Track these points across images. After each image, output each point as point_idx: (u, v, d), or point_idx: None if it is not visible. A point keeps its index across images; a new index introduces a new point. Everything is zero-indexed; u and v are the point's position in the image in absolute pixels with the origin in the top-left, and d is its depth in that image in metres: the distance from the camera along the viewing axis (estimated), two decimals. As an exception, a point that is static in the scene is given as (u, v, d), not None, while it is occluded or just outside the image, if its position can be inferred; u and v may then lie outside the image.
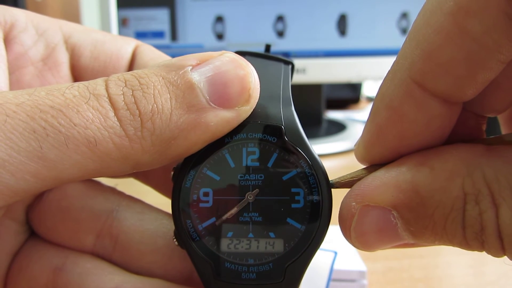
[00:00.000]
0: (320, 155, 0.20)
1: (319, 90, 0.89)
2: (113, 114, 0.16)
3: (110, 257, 0.23)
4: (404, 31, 0.80)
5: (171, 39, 0.83)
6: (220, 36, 0.83)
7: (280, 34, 0.82)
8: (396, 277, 0.36)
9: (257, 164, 0.19)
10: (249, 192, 0.19)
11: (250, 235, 0.19)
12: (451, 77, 0.15)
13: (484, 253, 0.17)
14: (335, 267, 0.35)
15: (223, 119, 0.17)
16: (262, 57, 0.23)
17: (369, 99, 1.27)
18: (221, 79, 0.17)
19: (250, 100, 0.18)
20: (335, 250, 0.33)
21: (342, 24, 0.81)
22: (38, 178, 0.15)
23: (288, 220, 0.19)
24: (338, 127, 0.90)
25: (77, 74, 0.24)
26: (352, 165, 0.68)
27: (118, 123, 0.16)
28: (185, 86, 0.17)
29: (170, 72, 0.17)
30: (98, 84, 0.17)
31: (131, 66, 0.25)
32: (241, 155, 0.19)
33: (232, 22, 0.82)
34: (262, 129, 0.19)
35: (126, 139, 0.16)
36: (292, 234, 0.19)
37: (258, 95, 0.18)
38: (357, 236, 0.17)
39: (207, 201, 0.19)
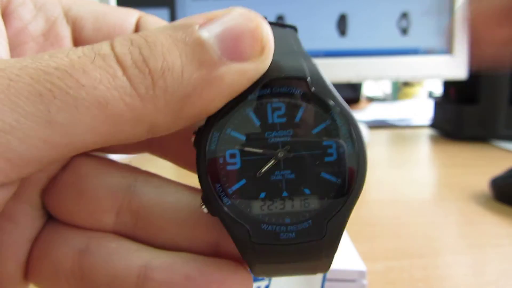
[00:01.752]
0: None
1: (319, 90, 0.89)
2: (122, 73, 0.15)
3: (133, 234, 0.22)
4: (404, 31, 0.80)
5: (171, 39, 0.83)
6: (220, 36, 0.83)
7: (280, 34, 0.82)
8: (396, 277, 0.36)
9: (284, 119, 0.18)
10: (278, 149, 0.18)
11: (284, 193, 0.18)
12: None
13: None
14: (335, 267, 0.35)
15: (237, 72, 0.17)
16: (272, 25, 0.23)
17: (369, 99, 1.27)
18: (231, 33, 0.17)
19: (265, 50, 0.17)
20: None
21: (342, 24, 0.81)
22: (49, 145, 0.15)
23: (323, 174, 0.18)
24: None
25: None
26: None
27: (127, 82, 0.15)
28: (194, 43, 0.16)
29: (177, 30, 0.17)
30: (103, 45, 0.16)
31: None
32: (266, 111, 0.18)
33: (232, 22, 0.82)
34: (285, 82, 0.18)
35: (138, 98, 0.15)
36: (328, 188, 0.18)
37: (273, 45, 0.18)
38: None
39: (235, 163, 0.18)
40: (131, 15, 0.24)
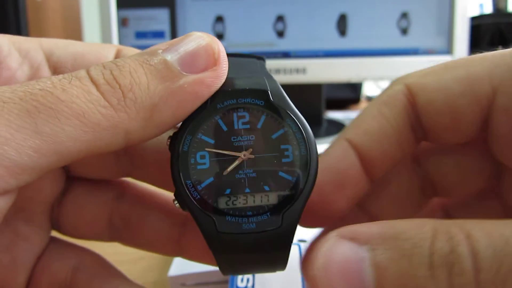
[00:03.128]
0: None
1: (319, 90, 0.89)
2: (96, 89, 0.18)
3: (122, 237, 0.28)
4: (404, 31, 0.80)
5: (171, 39, 0.83)
6: (220, 36, 0.83)
7: (280, 34, 0.82)
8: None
9: (247, 126, 0.21)
10: (242, 151, 0.21)
11: (247, 190, 0.20)
12: (368, 138, 0.23)
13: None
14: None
15: (196, 81, 0.20)
16: (237, 56, 0.25)
17: (369, 99, 1.27)
18: (188, 52, 0.20)
19: (218, 61, 0.20)
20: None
21: (342, 24, 0.81)
22: (39, 153, 0.17)
23: (280, 173, 0.21)
24: (338, 127, 0.90)
25: None
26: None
27: (101, 96, 0.18)
28: (158, 63, 0.19)
29: (143, 55, 0.20)
30: (80, 71, 0.19)
31: None
32: (232, 119, 0.21)
33: (232, 22, 0.82)
34: (249, 94, 0.21)
35: (111, 108, 0.18)
36: (284, 185, 0.20)
37: (226, 58, 0.21)
38: (323, 264, 0.17)
39: (204, 163, 0.21)
40: (108, 51, 0.26)
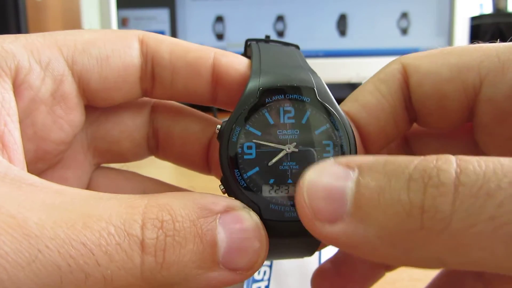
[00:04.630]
0: None
1: (319, 90, 0.89)
2: (140, 261, 0.17)
3: None
4: (404, 31, 0.80)
5: (171, 39, 0.83)
6: (220, 36, 0.83)
7: (280, 34, 0.82)
8: (396, 277, 0.36)
9: (293, 121, 0.22)
10: (287, 144, 0.22)
11: (289, 181, 0.22)
12: (365, 112, 0.24)
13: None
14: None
15: (223, 279, 0.19)
16: (273, 42, 0.27)
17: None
18: (239, 245, 0.19)
19: (254, 266, 0.20)
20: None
21: (342, 24, 0.81)
22: None
23: None
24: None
25: (90, 97, 0.24)
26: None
27: (140, 267, 0.17)
28: (208, 242, 0.18)
29: (200, 219, 0.18)
30: (135, 222, 0.17)
31: (145, 71, 0.25)
32: (278, 113, 0.22)
33: (232, 22, 0.82)
34: (297, 91, 0.22)
35: (140, 279, 0.17)
36: None
37: (260, 266, 0.20)
38: (313, 176, 0.18)
39: (251, 153, 0.22)
40: (132, 43, 0.24)
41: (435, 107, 0.23)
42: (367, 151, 0.25)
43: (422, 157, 0.15)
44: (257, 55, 0.25)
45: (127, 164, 0.29)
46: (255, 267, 0.20)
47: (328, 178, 0.17)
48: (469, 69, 0.22)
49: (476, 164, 0.14)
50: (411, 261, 0.15)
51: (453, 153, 0.23)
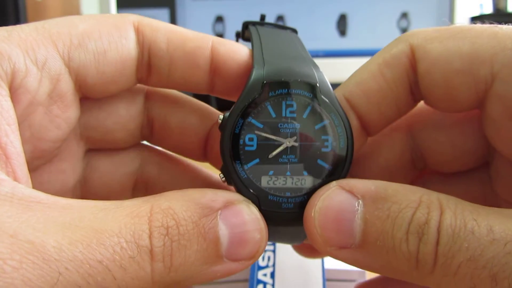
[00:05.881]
0: None
1: (319, 90, 0.90)
2: (150, 268, 0.18)
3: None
4: (404, 31, 0.80)
5: (171, 39, 0.83)
6: (220, 36, 0.83)
7: (280, 34, 0.82)
8: (396, 277, 0.36)
9: (294, 115, 0.22)
10: (287, 138, 0.22)
11: (288, 173, 0.22)
12: (366, 99, 0.24)
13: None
14: (335, 267, 0.35)
15: (227, 271, 0.20)
16: (271, 26, 0.27)
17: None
18: (240, 238, 0.20)
19: (253, 258, 0.21)
20: None
21: (342, 24, 0.81)
22: None
23: (318, 161, 0.22)
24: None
25: (85, 91, 0.24)
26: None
27: (150, 273, 0.18)
28: (211, 240, 0.19)
29: (203, 218, 0.19)
30: (143, 232, 0.18)
31: (141, 61, 0.24)
32: (281, 107, 0.22)
33: (232, 22, 0.82)
34: (300, 86, 0.22)
35: (151, 284, 0.18)
36: (321, 172, 0.22)
37: (261, 254, 0.21)
38: (322, 206, 0.20)
39: (252, 145, 0.22)
40: (128, 33, 0.23)
41: (443, 95, 0.23)
42: (367, 132, 0.25)
43: (416, 206, 0.19)
44: (258, 42, 0.25)
45: None
46: (257, 256, 0.21)
47: (336, 208, 0.20)
48: (481, 62, 0.21)
49: (451, 229, 0.18)
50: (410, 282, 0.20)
51: (460, 146, 0.26)
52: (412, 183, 0.28)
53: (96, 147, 0.27)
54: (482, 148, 0.25)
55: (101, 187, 0.28)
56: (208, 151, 0.28)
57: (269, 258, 0.34)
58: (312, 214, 0.20)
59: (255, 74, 0.22)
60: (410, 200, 0.19)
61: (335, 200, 0.20)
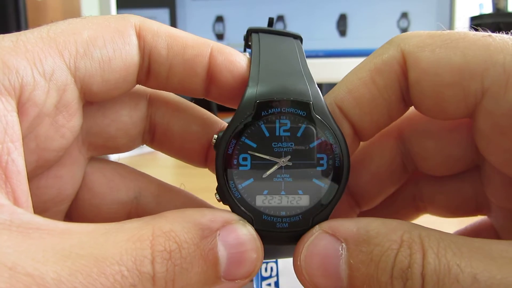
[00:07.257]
0: None
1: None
2: None
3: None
4: (404, 31, 0.80)
5: (171, 39, 0.83)
6: (220, 36, 0.83)
7: (280, 34, 0.82)
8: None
9: (288, 133, 0.22)
10: (281, 157, 0.22)
11: (282, 192, 0.22)
12: (358, 107, 0.23)
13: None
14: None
15: None
16: (274, 33, 0.27)
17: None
18: (238, 258, 0.20)
19: (249, 277, 0.21)
20: None
21: (342, 24, 0.81)
22: None
23: (314, 180, 0.22)
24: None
25: (89, 98, 0.24)
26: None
27: None
28: (211, 261, 0.19)
29: (203, 240, 0.19)
30: (145, 258, 0.18)
31: (142, 66, 0.24)
32: (274, 126, 0.22)
33: (232, 22, 0.82)
34: (293, 105, 0.22)
35: None
36: (317, 191, 0.22)
37: (257, 273, 0.22)
38: (306, 254, 0.21)
39: (246, 165, 0.22)
40: (130, 40, 0.23)
41: (432, 105, 0.22)
42: (360, 138, 0.25)
43: (398, 247, 0.19)
44: (257, 55, 0.24)
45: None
46: (253, 274, 0.21)
47: (321, 254, 0.20)
48: (472, 76, 0.21)
49: (435, 276, 0.18)
50: None
51: (450, 152, 0.26)
52: (404, 184, 0.29)
53: (97, 152, 0.27)
54: (472, 154, 0.25)
55: (101, 187, 0.28)
56: (209, 158, 0.28)
57: (272, 268, 0.34)
58: (298, 262, 0.21)
59: (248, 93, 0.22)
60: (391, 241, 0.19)
61: (319, 246, 0.21)
